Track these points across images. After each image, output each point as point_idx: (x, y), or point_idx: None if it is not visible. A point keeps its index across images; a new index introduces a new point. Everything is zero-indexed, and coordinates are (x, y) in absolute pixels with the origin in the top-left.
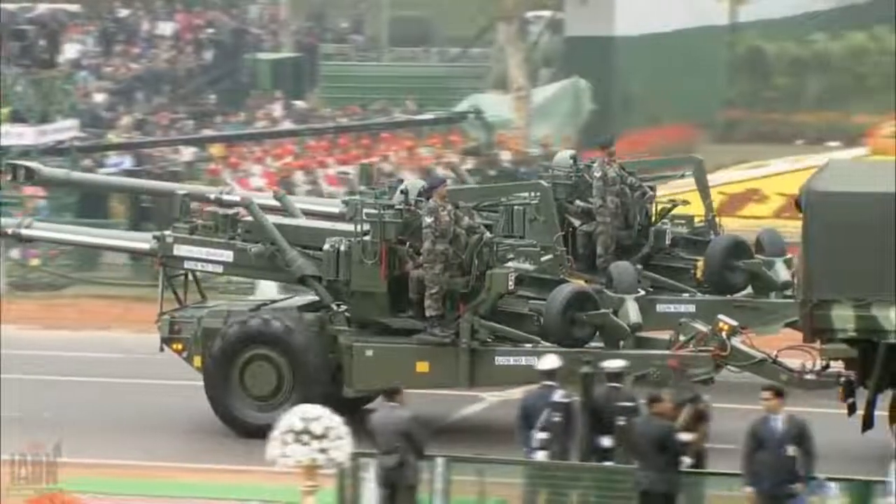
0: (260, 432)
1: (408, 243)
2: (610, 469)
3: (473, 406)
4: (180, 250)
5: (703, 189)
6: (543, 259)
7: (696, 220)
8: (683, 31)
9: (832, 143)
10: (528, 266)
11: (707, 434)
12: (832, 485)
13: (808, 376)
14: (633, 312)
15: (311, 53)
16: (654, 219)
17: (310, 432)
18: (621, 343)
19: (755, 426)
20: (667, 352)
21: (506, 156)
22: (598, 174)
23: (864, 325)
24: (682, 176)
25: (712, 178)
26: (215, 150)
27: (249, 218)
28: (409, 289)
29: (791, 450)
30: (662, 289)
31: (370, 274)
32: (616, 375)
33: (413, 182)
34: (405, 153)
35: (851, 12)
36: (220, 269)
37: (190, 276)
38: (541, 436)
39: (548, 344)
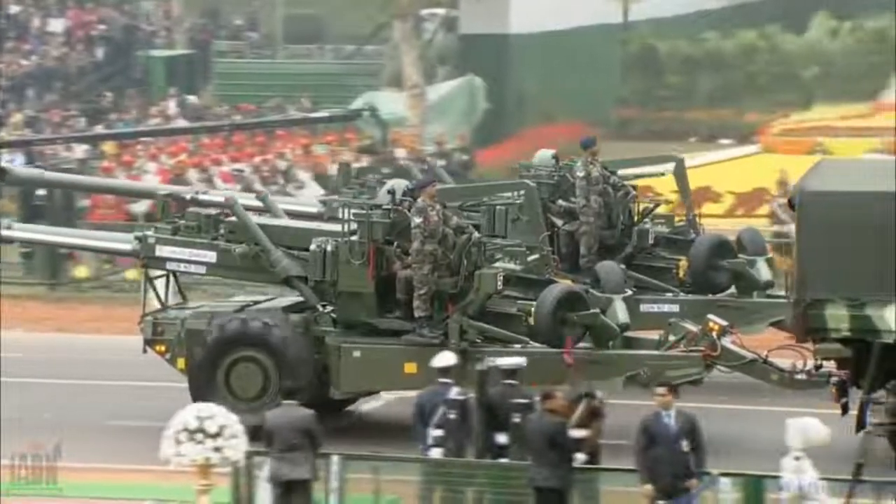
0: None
1: (395, 243)
2: (505, 466)
3: (370, 403)
4: (163, 251)
5: (684, 188)
6: (529, 259)
7: (676, 219)
8: (577, 30)
9: (724, 141)
10: (514, 266)
11: (601, 430)
12: (725, 480)
13: (799, 376)
14: (621, 312)
15: (205, 51)
16: (636, 218)
17: (204, 431)
18: (610, 343)
19: (647, 422)
20: (656, 352)
21: (401, 153)
22: (580, 174)
23: (858, 324)
24: (663, 175)
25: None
26: (108, 147)
27: (233, 218)
28: (397, 289)
29: (685, 445)
30: (646, 289)
31: (357, 274)
32: (511, 373)
33: (398, 182)
34: (301, 151)
35: (742, 11)
36: (203, 269)
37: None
38: (436, 433)
39: (537, 345)
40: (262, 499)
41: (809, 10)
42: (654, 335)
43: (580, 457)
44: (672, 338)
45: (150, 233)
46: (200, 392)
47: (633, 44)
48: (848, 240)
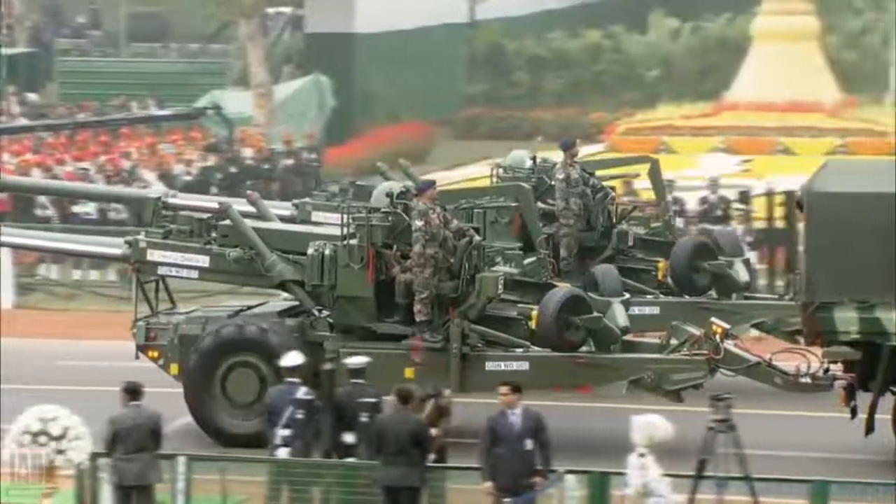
0: (241, 440)
1: (395, 247)
2: (352, 465)
3: None
4: (154, 255)
5: (659, 189)
6: (526, 262)
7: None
8: (423, 29)
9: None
10: (512, 269)
11: (447, 429)
12: (571, 477)
13: (804, 380)
14: (620, 315)
15: (47, 49)
16: (615, 220)
17: (47, 433)
18: (612, 347)
19: (492, 421)
20: (660, 355)
21: (248, 152)
22: (560, 176)
23: (867, 327)
24: (637, 176)
25: (452, 175)
26: None
27: (227, 222)
28: (396, 293)
29: (529, 444)
30: (626, 291)
31: (357, 278)
32: (358, 372)
33: (391, 184)
34: (146, 150)
35: (587, 11)
36: (195, 274)
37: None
38: (284, 433)
39: (538, 349)
40: (106, 500)
41: (652, 10)
42: (652, 339)
43: (430, 456)
44: (674, 341)
45: (141, 237)
46: (196, 398)
47: (480, 43)
48: (856, 241)
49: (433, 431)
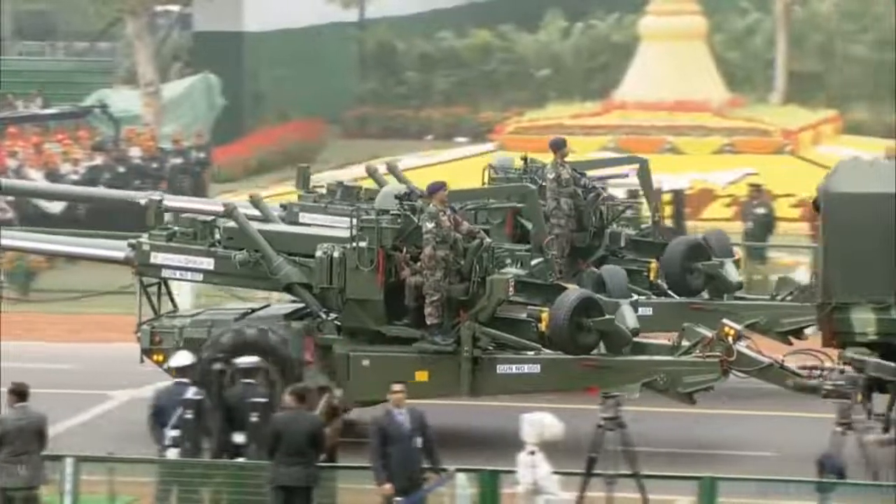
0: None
1: (404, 249)
2: (242, 465)
3: (103, 405)
4: (157, 258)
5: (648, 190)
6: (533, 263)
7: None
8: (313, 28)
9: (460, 139)
10: (520, 271)
11: (339, 429)
12: (461, 475)
13: (816, 381)
14: (629, 317)
15: None
16: (606, 220)
17: None
18: (623, 349)
19: (381, 421)
20: (673, 357)
21: (135, 152)
22: (551, 176)
23: (885, 328)
24: (626, 176)
25: (344, 175)
26: None
27: (231, 224)
28: (406, 296)
29: (419, 442)
30: None
31: (366, 281)
32: (249, 372)
33: (395, 185)
34: (32, 149)
35: (477, 10)
36: (199, 277)
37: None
38: (173, 433)
39: (549, 351)
40: None
41: (542, 10)
42: (661, 340)
43: (321, 455)
44: (686, 343)
45: (144, 240)
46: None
47: (370, 42)
48: (874, 242)
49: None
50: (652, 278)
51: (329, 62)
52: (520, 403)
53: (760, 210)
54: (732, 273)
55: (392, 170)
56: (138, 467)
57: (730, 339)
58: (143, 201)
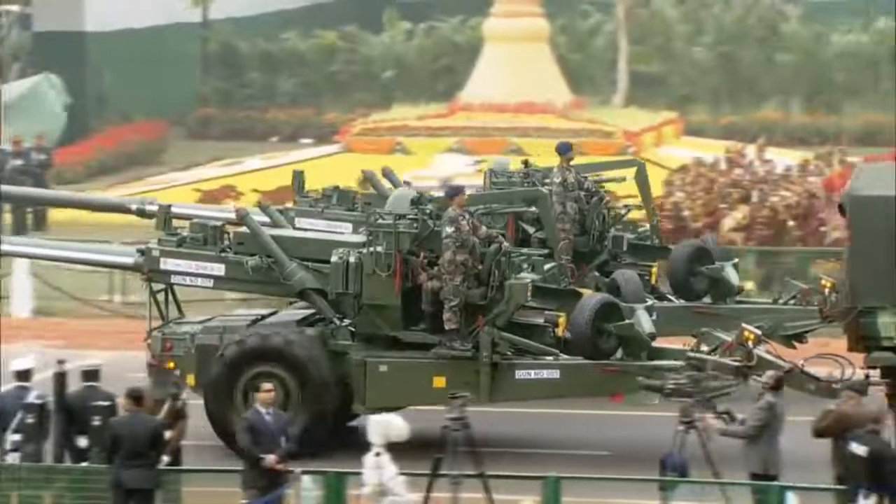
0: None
1: (421, 254)
2: (85, 469)
3: None
4: (167, 264)
5: (645, 193)
6: (546, 268)
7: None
8: (156, 28)
9: (305, 141)
10: (534, 276)
11: (184, 431)
12: (307, 477)
13: (837, 385)
14: (645, 322)
15: None
16: (608, 224)
17: None
18: (642, 354)
19: (250, 420)
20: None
21: None
22: (557, 180)
23: None
24: (624, 180)
25: (185, 176)
26: None
27: (243, 229)
28: (423, 301)
29: (283, 443)
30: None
31: (383, 286)
32: (92, 374)
33: (406, 189)
34: None
35: (321, 11)
36: (210, 283)
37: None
38: (14, 438)
39: (567, 357)
40: None
41: (385, 11)
42: (676, 344)
43: (164, 458)
44: (704, 347)
45: (154, 245)
46: (218, 409)
47: (213, 42)
48: None
49: (168, 433)
50: (653, 282)
51: (172, 63)
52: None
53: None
54: (733, 277)
55: (387, 175)
56: None
57: (750, 343)
58: (134, 206)
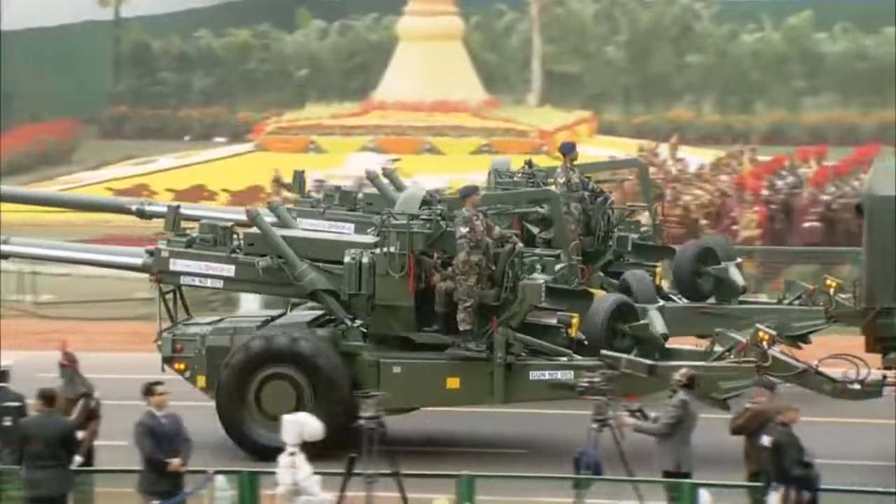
0: (276, 453)
1: (435, 255)
2: None
3: None
4: (177, 265)
5: (648, 193)
6: (556, 268)
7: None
8: (68, 27)
9: (219, 139)
10: (546, 276)
11: (96, 432)
12: (221, 477)
13: (853, 386)
14: (658, 322)
15: None
16: (613, 225)
17: None
18: (655, 354)
19: (148, 424)
20: (708, 363)
21: None
22: (561, 180)
23: None
24: (629, 179)
25: (97, 175)
26: None
27: (254, 230)
28: (436, 301)
29: (179, 444)
30: None
31: (396, 287)
32: (1, 375)
33: (417, 190)
34: None
35: (234, 10)
36: (219, 284)
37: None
38: None
39: (578, 357)
40: None
41: (299, 9)
42: (688, 345)
43: (77, 458)
44: (718, 348)
45: (163, 246)
46: (230, 411)
47: (126, 41)
48: None
49: (81, 434)
50: (658, 282)
51: (84, 61)
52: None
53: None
54: (738, 277)
55: (388, 175)
56: None
57: (764, 344)
58: (134, 207)
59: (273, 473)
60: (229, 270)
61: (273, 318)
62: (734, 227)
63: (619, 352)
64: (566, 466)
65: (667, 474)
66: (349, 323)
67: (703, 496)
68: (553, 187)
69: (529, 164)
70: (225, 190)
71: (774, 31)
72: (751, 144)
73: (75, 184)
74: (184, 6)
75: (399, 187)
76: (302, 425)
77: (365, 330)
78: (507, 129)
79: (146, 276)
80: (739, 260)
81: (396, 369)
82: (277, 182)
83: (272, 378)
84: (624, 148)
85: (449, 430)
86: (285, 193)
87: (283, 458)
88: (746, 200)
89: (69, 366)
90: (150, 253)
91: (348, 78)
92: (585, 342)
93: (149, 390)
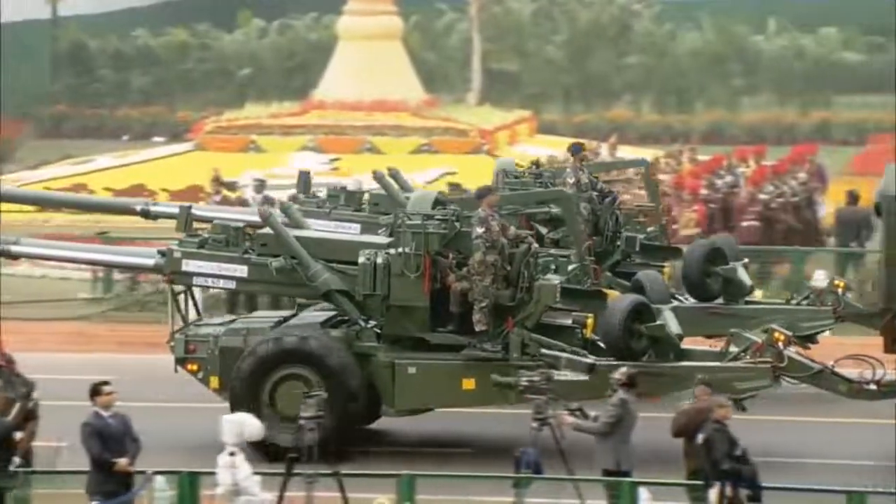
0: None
1: (450, 255)
2: None
3: None
4: (189, 266)
5: (653, 193)
6: (569, 269)
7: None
8: (5, 25)
9: (158, 139)
10: (559, 276)
11: (35, 433)
12: (161, 478)
13: (869, 386)
14: (672, 323)
15: None
16: (621, 225)
17: None
18: (670, 355)
19: (95, 425)
20: (725, 364)
21: None
22: (571, 180)
23: None
24: (637, 179)
25: (36, 175)
26: None
27: (267, 230)
28: (451, 302)
29: (127, 444)
30: None
31: (411, 287)
32: None
33: (426, 191)
34: None
35: (172, 9)
36: (232, 284)
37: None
38: None
39: (592, 357)
40: None
41: (237, 7)
42: (703, 346)
43: (15, 459)
44: (734, 348)
45: (175, 247)
46: (244, 411)
47: (63, 40)
48: None
49: (19, 435)
50: (666, 282)
51: (22, 60)
52: (220, 405)
53: None
54: (745, 277)
55: (394, 176)
56: None
57: (780, 344)
58: (139, 207)
59: (213, 474)
60: (242, 271)
61: (286, 319)
62: (674, 227)
63: (637, 352)
64: (507, 465)
65: (607, 473)
66: (363, 324)
67: (642, 495)
68: (563, 187)
69: (537, 164)
70: (164, 189)
71: (712, 31)
72: (690, 144)
73: (14, 183)
74: (122, 5)
75: (405, 188)
76: (242, 425)
77: (379, 331)
78: (446, 129)
79: (87, 275)
80: (746, 260)
81: (412, 370)
82: (217, 181)
83: (286, 379)
84: (564, 147)
85: (389, 429)
86: (226, 192)
87: (222, 458)
88: (685, 200)
89: (6, 366)
90: (163, 254)
91: (288, 77)
92: (600, 343)
93: (95, 391)
